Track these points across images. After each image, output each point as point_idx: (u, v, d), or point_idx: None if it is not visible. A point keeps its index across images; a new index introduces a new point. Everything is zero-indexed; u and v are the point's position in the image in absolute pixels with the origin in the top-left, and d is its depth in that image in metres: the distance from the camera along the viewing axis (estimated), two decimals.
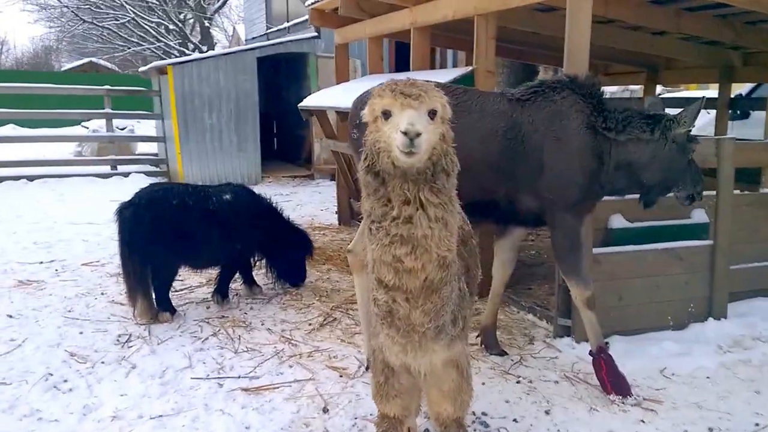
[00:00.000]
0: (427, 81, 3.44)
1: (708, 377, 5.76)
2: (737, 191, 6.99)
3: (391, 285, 3.27)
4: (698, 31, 8.89)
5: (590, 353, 5.59)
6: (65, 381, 5.64)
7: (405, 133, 2.90)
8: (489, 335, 6.30)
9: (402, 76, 8.76)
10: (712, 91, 18.53)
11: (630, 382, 5.45)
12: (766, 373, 5.86)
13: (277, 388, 5.52)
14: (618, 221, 6.51)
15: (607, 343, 5.66)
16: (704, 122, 16.10)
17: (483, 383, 5.59)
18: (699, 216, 6.75)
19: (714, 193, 6.73)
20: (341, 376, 5.72)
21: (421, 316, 3.34)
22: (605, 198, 5.97)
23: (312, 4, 11.83)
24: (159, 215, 6.85)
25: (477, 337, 6.35)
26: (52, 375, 5.74)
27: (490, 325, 6.31)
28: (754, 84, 14.48)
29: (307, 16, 12.67)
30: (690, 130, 5.33)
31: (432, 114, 3.08)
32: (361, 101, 5.73)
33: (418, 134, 2.91)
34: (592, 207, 5.70)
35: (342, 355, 6.16)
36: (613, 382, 5.38)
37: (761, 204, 7.33)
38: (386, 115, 3.08)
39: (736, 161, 6.75)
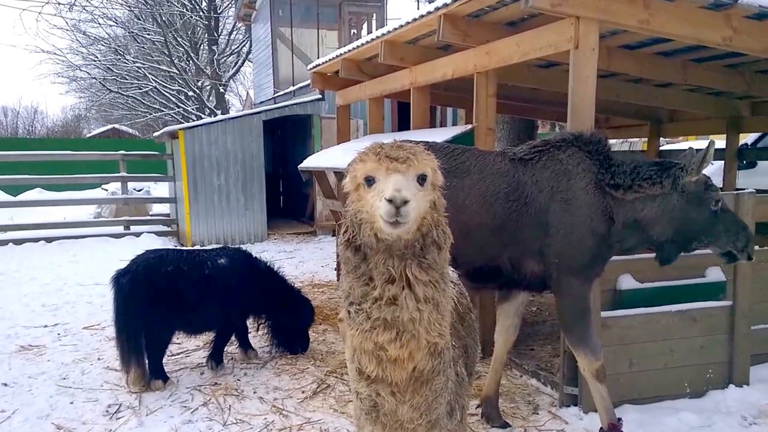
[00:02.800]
0: (422, 141, 2.77)
1: None
2: (757, 247, 6.27)
3: (374, 377, 2.69)
4: (707, 81, 8.46)
5: (601, 430, 4.92)
6: None
7: (390, 201, 2.34)
8: (491, 406, 5.63)
9: (402, 135, 8.42)
10: (717, 141, 18.02)
11: None
12: None
13: None
14: (627, 282, 5.84)
15: (620, 419, 4.96)
16: (711, 172, 15.53)
17: None
18: (715, 275, 6.07)
19: None
20: None
21: (410, 411, 2.74)
22: (613, 258, 5.36)
23: (314, 67, 11.68)
24: (154, 283, 6.36)
25: (477, 407, 5.69)
26: None
27: (492, 394, 5.65)
28: (760, 134, 13.95)
29: (310, 80, 12.26)
30: (706, 179, 4.74)
31: (421, 179, 2.52)
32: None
33: (406, 201, 2.35)
34: (601, 270, 5.07)
35: (334, 428, 5.52)
36: None
37: None
38: (369, 181, 2.52)
39: (758, 215, 6.13)
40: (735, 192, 6.26)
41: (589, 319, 4.92)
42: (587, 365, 4.90)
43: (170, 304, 6.36)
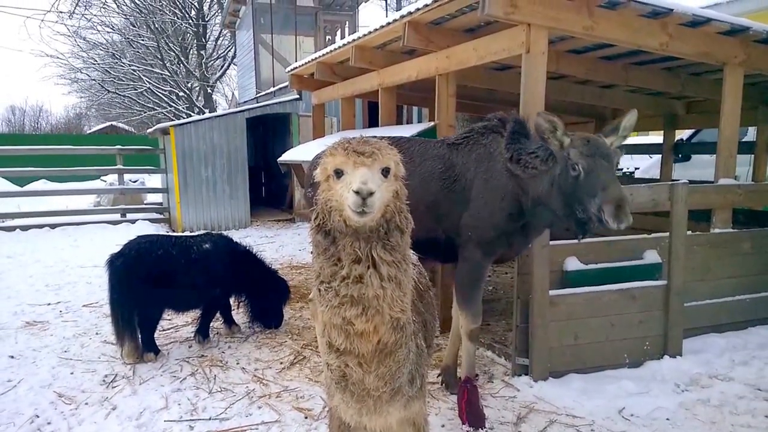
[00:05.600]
0: (383, 137, 2.75)
1: (668, 419, 5.00)
2: (689, 232, 6.35)
3: (343, 349, 2.66)
4: (646, 83, 8.47)
5: (459, 378, 5.13)
6: (49, 423, 5.04)
7: (357, 192, 2.34)
8: (449, 375, 5.61)
9: (371, 131, 8.39)
10: (654, 137, 18.13)
11: (589, 423, 4.82)
12: (726, 415, 5.09)
13: (245, 431, 4.85)
14: (573, 264, 5.83)
15: (477, 375, 5.15)
16: (649, 164, 15.73)
17: (443, 425, 4.92)
18: (651, 257, 6.11)
19: (667, 234, 6.18)
20: (306, 418, 5.04)
21: (375, 380, 2.71)
22: (560, 242, 5.39)
23: (292, 70, 11.63)
24: (145, 265, 6.29)
25: (438, 376, 5.69)
26: (38, 417, 5.15)
27: (451, 364, 5.63)
28: (694, 130, 14.04)
29: (288, 82, 12.22)
30: (572, 145, 4.24)
31: (385, 172, 2.52)
32: (317, 161, 5.21)
33: (371, 193, 2.36)
34: (512, 249, 5.07)
35: (309, 395, 5.48)
36: (469, 411, 4.82)
37: (712, 244, 6.73)
38: (338, 173, 2.51)
39: (689, 204, 6.19)
40: (670, 182, 6.29)
41: (480, 286, 4.98)
42: (466, 325, 4.99)
43: (160, 285, 6.27)
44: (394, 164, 2.56)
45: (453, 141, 5.16)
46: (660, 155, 11.77)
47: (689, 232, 6.30)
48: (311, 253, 2.71)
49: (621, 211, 3.90)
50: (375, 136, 2.75)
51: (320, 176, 2.61)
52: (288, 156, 9.90)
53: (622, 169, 18.09)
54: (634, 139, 21.61)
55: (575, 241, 5.21)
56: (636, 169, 17.75)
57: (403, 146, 5.13)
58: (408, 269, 2.63)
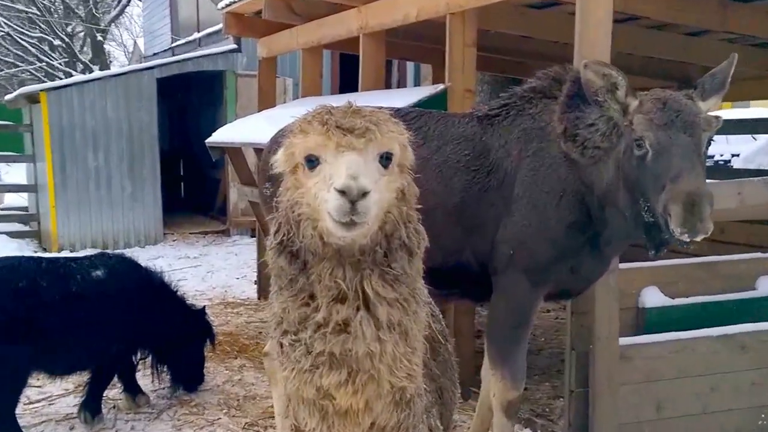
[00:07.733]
0: (380, 107, 2.64)
1: None
2: None
3: None
4: (752, 29, 8.36)
5: None
6: None
7: (343, 192, 2.17)
8: None
9: (349, 99, 8.34)
10: (760, 108, 18.21)
11: None
12: None
13: None
14: (653, 297, 5.79)
15: None
16: (756, 149, 15.73)
17: None
18: None
19: None
20: None
21: None
22: (635, 265, 5.35)
23: (227, 6, 11.49)
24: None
25: None
26: None
27: None
28: None
29: (222, 25, 12.14)
30: (638, 111, 4.22)
31: (386, 159, 2.38)
32: (277, 141, 4.88)
33: (365, 193, 2.19)
34: (577, 277, 4.92)
35: None
36: None
37: None
38: (312, 162, 2.37)
39: None
40: None
41: (525, 335, 4.92)
42: (500, 391, 4.86)
43: (23, 334, 6.08)
44: (400, 147, 2.45)
45: (486, 113, 5.00)
46: None
47: None
48: (255, 282, 2.63)
49: (694, 214, 3.72)
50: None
51: (284, 166, 2.50)
52: (221, 136, 9.91)
53: (713, 156, 18.15)
54: (729, 113, 21.72)
55: (656, 264, 5.14)
56: (734, 156, 17.80)
57: (413, 122, 5.02)
58: (419, 312, 2.54)
